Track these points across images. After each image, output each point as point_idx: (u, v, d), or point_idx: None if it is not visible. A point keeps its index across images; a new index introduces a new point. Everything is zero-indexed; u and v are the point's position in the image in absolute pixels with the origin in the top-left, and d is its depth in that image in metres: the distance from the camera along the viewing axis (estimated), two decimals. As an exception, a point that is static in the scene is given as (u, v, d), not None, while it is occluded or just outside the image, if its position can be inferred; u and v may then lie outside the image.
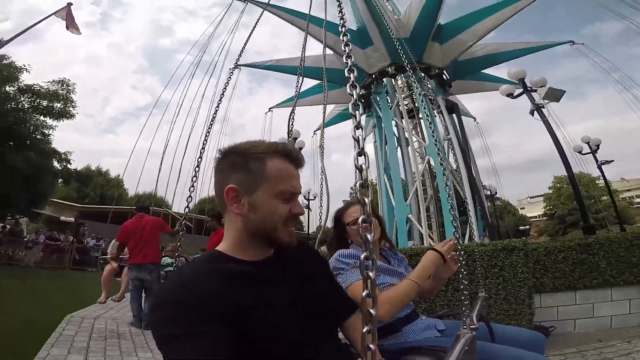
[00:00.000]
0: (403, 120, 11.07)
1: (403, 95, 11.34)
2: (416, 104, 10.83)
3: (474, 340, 1.09)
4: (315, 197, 11.66)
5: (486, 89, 13.59)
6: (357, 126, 0.65)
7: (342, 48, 0.85)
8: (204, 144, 2.06)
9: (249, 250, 0.83)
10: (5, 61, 13.35)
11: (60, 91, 13.66)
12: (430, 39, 10.90)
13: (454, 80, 12.00)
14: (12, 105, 12.77)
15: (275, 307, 0.76)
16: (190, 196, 1.84)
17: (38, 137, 13.58)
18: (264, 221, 0.80)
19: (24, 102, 13.24)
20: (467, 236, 7.93)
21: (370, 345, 0.49)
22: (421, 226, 9.63)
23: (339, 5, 1.35)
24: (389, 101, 11.71)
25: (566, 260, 4.13)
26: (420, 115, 10.68)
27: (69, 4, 10.58)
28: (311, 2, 5.48)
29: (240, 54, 3.33)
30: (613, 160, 11.45)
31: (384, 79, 11.69)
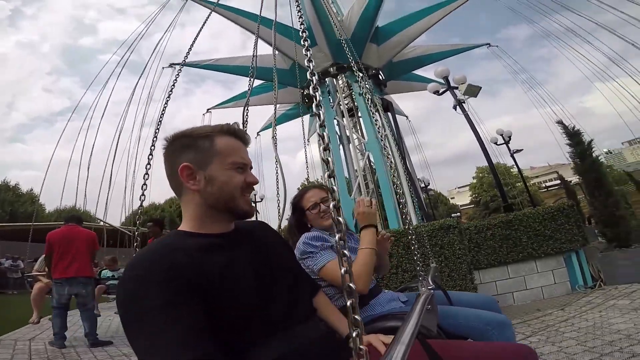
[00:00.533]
0: (344, 118, 11.46)
1: (344, 95, 11.72)
2: (355, 103, 11.30)
3: (434, 297, 1.13)
4: (262, 199, 11.54)
5: (416, 89, 14.46)
6: (322, 124, 0.70)
7: (304, 52, 0.91)
8: (151, 148, 1.90)
9: (210, 225, 0.85)
10: None
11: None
12: (368, 40, 11.34)
13: (389, 80, 12.61)
14: None
15: (242, 275, 0.79)
16: (141, 205, 1.75)
17: None
18: (221, 192, 0.84)
19: None
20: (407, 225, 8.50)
21: (356, 317, 0.53)
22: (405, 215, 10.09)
23: (299, 12, 1.43)
24: (331, 101, 12.02)
25: (494, 237, 4.67)
26: (360, 114, 11.17)
27: None
28: (262, 3, 5.47)
29: (188, 52, 3.25)
30: (523, 149, 13.25)
31: (326, 79, 11.96)
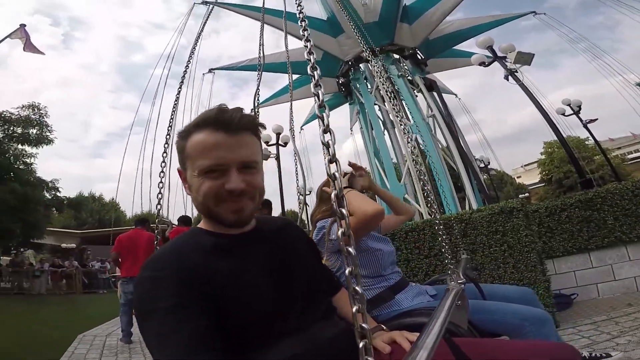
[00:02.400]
0: (385, 103, 11.01)
1: (382, 79, 11.25)
2: (396, 86, 10.84)
3: (464, 293, 1.07)
4: (310, 192, 11.53)
5: (461, 65, 13.66)
6: (321, 105, 0.64)
7: (301, 32, 0.84)
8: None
9: (220, 226, 0.79)
10: None
11: (33, 116, 13.44)
12: (398, 20, 10.91)
13: (429, 59, 11.99)
14: None
15: (256, 277, 0.75)
16: (159, 203, 1.82)
17: (20, 167, 13.38)
18: (197, 202, 0.76)
19: None
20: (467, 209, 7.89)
21: (364, 325, 0.49)
22: (419, 204, 9.55)
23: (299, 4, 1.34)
24: (369, 86, 11.64)
25: (571, 220, 3.99)
26: (402, 96, 10.64)
27: (22, 25, 10.37)
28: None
29: (190, 56, 3.18)
30: (597, 119, 11.52)
31: (360, 65, 11.65)
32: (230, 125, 0.73)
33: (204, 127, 0.74)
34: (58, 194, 14.90)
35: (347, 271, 0.50)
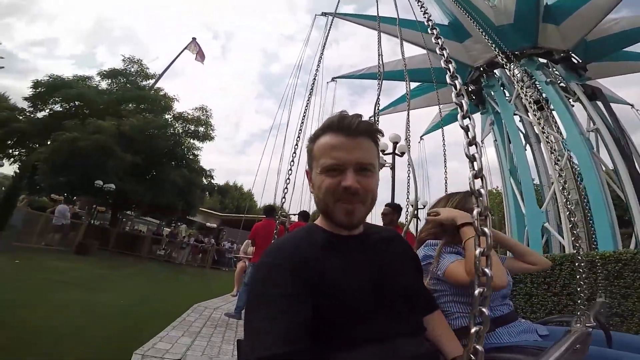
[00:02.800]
0: (529, 114, 9.45)
1: (524, 86, 9.74)
2: (543, 94, 9.12)
3: (589, 338, 0.95)
4: (424, 206, 10.81)
5: (634, 70, 11.03)
6: (465, 115, 0.64)
7: (434, 40, 0.84)
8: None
9: (334, 225, 0.83)
10: (161, 93, 17.16)
11: (202, 117, 16.95)
12: (540, 21, 9.46)
13: (588, 63, 9.92)
14: (171, 131, 16.25)
15: (356, 279, 0.76)
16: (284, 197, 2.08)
17: (190, 157, 16.99)
18: (318, 198, 0.82)
19: (178, 128, 16.80)
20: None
21: (484, 310, 0.49)
22: (562, 237, 7.81)
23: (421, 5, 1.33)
24: (507, 94, 10.20)
25: None
26: (551, 106, 8.88)
27: (193, 39, 12.96)
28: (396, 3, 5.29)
29: (318, 66, 3.35)
30: None
31: (495, 71, 10.36)
32: (349, 129, 0.79)
33: (328, 131, 0.82)
34: (212, 181, 18.38)
35: (476, 292, 0.51)
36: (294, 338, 0.63)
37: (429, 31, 0.90)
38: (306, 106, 3.01)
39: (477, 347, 0.46)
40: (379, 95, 3.36)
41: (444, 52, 0.77)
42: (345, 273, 0.76)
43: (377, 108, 3.47)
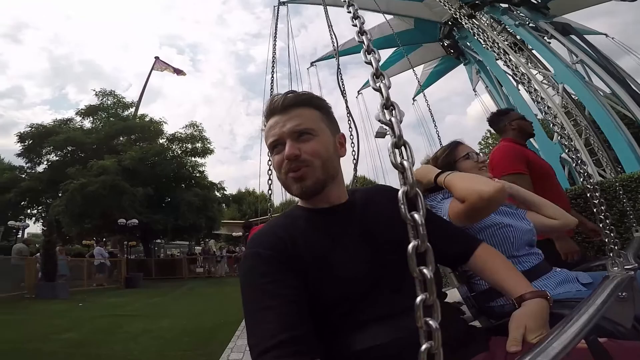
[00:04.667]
0: (510, 56, 9.38)
1: (496, 32, 9.61)
2: (518, 37, 9.03)
3: (634, 282, 0.80)
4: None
5: (594, 2, 10.93)
6: (361, 32, 0.57)
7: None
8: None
9: (316, 201, 0.80)
10: (146, 119, 17.25)
11: (195, 133, 17.01)
12: None
13: (548, 1, 9.77)
14: (170, 154, 16.40)
15: (346, 253, 0.73)
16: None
17: (197, 175, 17.18)
18: (279, 179, 0.82)
19: (176, 150, 16.93)
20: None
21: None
22: (584, 163, 7.85)
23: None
24: (482, 42, 10.10)
25: None
26: (530, 46, 8.79)
27: (156, 58, 12.88)
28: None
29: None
30: None
31: (464, 23, 10.24)
32: (278, 107, 0.80)
33: (267, 117, 0.82)
34: (225, 192, 18.88)
35: (410, 246, 0.38)
36: (293, 322, 0.61)
37: None
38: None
39: (430, 322, 0.37)
40: (338, 66, 3.39)
41: (351, 8, 0.64)
42: (333, 247, 0.73)
43: (340, 79, 3.37)
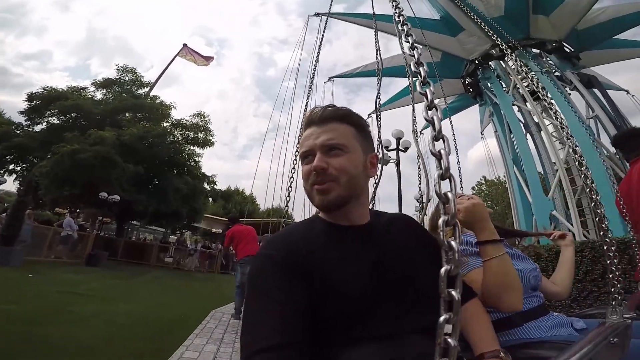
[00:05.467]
0: (527, 103, 9.54)
1: (520, 77, 9.82)
2: (539, 84, 9.28)
3: (628, 330, 0.86)
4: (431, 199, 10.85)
5: (624, 57, 11.24)
6: (418, 63, 0.61)
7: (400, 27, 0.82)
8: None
9: (334, 216, 0.81)
10: (157, 101, 17.21)
11: (200, 123, 16.95)
12: (531, 12, 9.70)
13: (581, 52, 10.10)
14: (170, 139, 16.24)
15: (356, 270, 0.73)
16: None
17: (191, 164, 16.97)
18: (304, 187, 0.83)
19: (177, 135, 16.79)
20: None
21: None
22: (571, 224, 7.85)
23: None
24: (504, 86, 10.31)
25: None
26: (549, 95, 9.00)
27: (184, 45, 12.91)
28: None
29: (314, 68, 3.34)
30: None
31: (490, 63, 10.51)
32: (316, 118, 0.82)
33: (305, 127, 0.85)
34: (215, 186, 18.44)
35: (442, 270, 0.44)
36: (290, 330, 0.62)
37: (393, 10, 0.89)
38: (305, 107, 3.03)
39: (449, 340, 0.40)
40: (379, 89, 3.36)
41: (409, 38, 0.74)
42: (342, 265, 0.73)
43: (378, 103, 3.46)
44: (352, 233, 0.79)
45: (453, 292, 0.42)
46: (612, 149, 8.29)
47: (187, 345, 3.41)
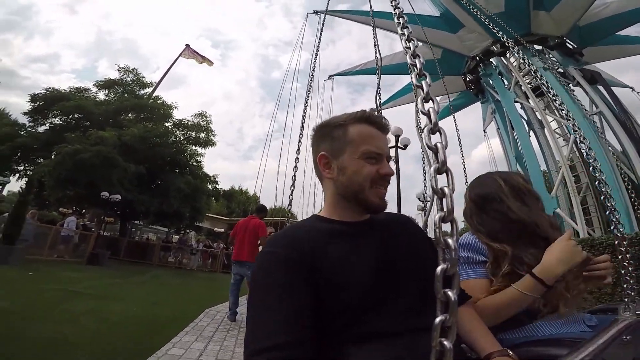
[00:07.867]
0: (530, 100, 9.37)
1: (522, 73, 9.65)
2: (543, 80, 9.17)
3: None
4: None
5: (628, 53, 11.08)
6: (414, 55, 0.63)
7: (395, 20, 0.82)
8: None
9: (341, 213, 0.85)
10: (159, 101, 17.33)
11: (202, 122, 16.99)
12: (531, 8, 9.58)
13: (583, 48, 9.94)
14: (172, 139, 16.31)
15: (359, 267, 0.74)
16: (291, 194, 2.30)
17: (193, 163, 17.02)
18: (350, 182, 0.82)
19: (179, 135, 16.86)
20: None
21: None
22: (575, 222, 7.69)
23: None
24: (505, 83, 10.16)
25: None
26: (553, 91, 8.86)
27: (187, 45, 12.92)
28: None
29: (313, 66, 3.31)
30: None
31: (491, 59, 10.36)
32: (381, 125, 0.86)
33: (363, 122, 0.85)
34: (217, 186, 18.51)
35: (438, 269, 0.43)
36: (294, 327, 0.62)
37: (395, 19, 0.89)
38: (304, 110, 3.02)
39: (445, 342, 0.40)
40: (378, 84, 3.31)
41: (405, 30, 0.74)
42: (347, 260, 0.74)
43: (378, 99, 3.43)
44: (358, 227, 0.83)
45: (449, 293, 0.41)
46: (619, 146, 8.12)
47: (174, 342, 3.38)
